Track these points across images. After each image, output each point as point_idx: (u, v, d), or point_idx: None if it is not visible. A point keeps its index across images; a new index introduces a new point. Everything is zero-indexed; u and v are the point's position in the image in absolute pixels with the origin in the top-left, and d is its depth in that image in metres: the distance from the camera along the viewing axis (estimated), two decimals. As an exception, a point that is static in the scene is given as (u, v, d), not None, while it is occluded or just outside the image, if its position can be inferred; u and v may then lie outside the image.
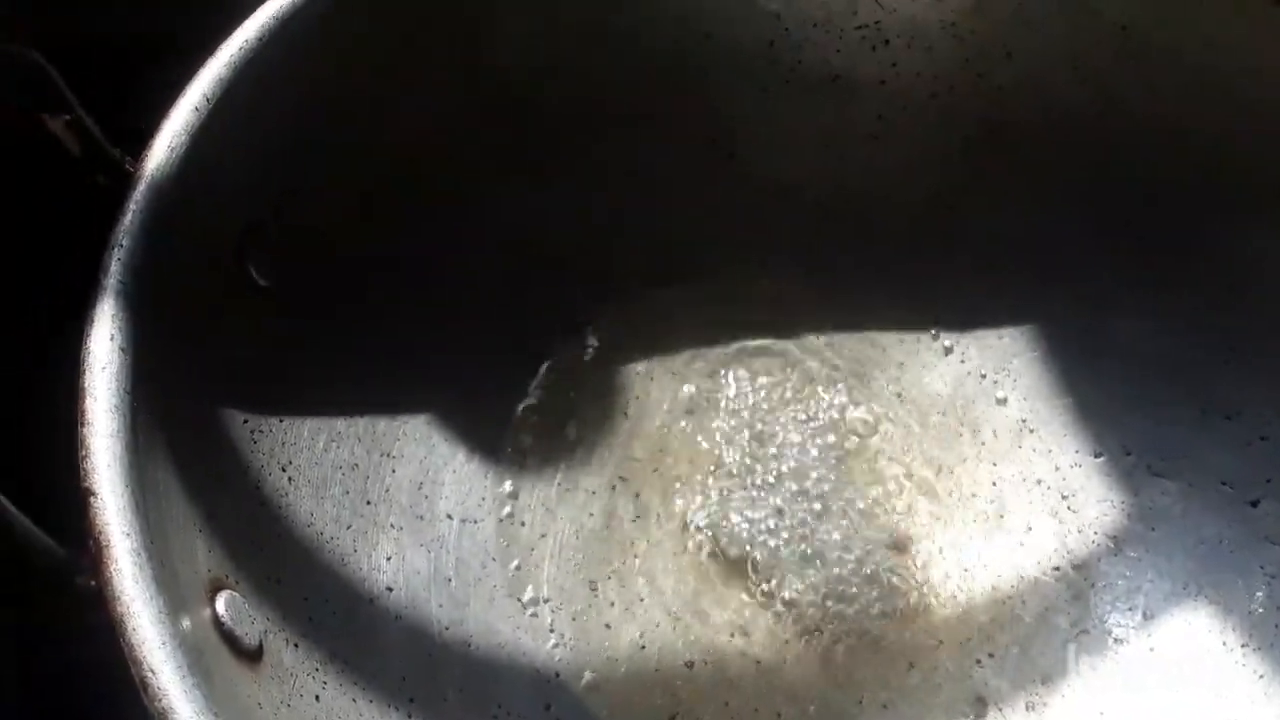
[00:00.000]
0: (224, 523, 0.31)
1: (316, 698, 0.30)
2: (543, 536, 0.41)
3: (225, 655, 0.28)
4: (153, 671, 0.24)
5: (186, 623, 0.26)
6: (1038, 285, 0.47)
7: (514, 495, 0.41)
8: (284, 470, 0.35)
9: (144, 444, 0.28)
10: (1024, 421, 0.46)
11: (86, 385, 0.27)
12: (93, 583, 0.25)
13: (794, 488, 0.42)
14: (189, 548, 0.29)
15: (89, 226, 0.30)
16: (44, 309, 0.30)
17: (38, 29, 0.32)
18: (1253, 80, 0.42)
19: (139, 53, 0.38)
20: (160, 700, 0.23)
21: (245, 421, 0.34)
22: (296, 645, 0.31)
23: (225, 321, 0.34)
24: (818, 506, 0.42)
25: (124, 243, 0.30)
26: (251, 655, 0.29)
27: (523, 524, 0.41)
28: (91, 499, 0.25)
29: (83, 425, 0.27)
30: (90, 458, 0.26)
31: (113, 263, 0.29)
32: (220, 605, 0.28)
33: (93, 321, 0.28)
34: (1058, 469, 0.44)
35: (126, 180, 0.31)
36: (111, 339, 0.28)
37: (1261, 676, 0.39)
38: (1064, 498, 0.44)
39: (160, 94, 0.33)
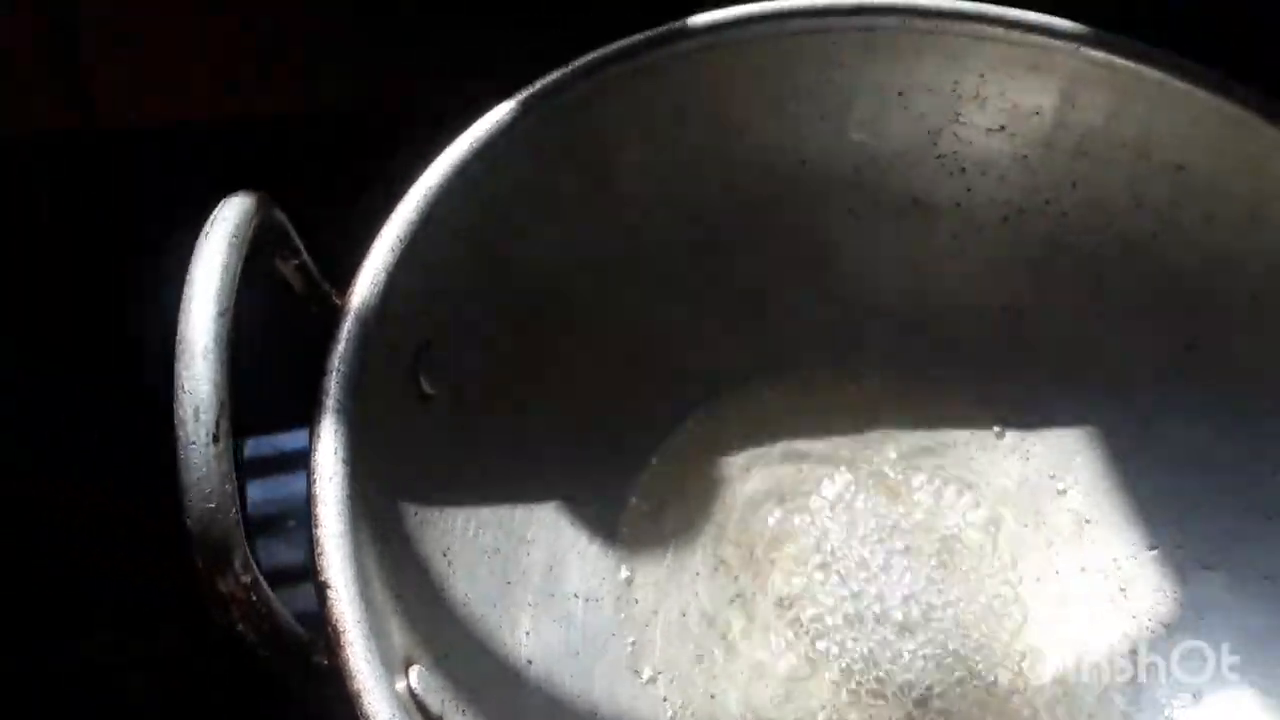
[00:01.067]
0: (407, 605, 0.36)
1: (485, 759, 0.36)
2: (654, 613, 0.46)
3: (421, 722, 0.33)
4: (388, 739, 0.29)
5: (400, 696, 0.31)
6: (1099, 390, 0.52)
7: (630, 577, 0.46)
8: (444, 555, 0.40)
9: (358, 542, 0.33)
10: (1085, 515, 0.50)
11: (317, 493, 0.33)
12: (325, 661, 0.31)
13: (877, 576, 0.47)
14: (387, 628, 0.34)
15: (307, 346, 0.36)
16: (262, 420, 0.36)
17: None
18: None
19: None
20: (394, 763, 0.29)
21: (415, 514, 0.40)
22: (464, 713, 0.36)
23: (403, 426, 0.39)
24: (900, 594, 0.47)
25: (340, 368, 0.35)
26: (437, 721, 0.34)
27: (637, 602, 0.46)
28: (328, 591, 0.31)
29: (316, 527, 0.32)
30: (324, 555, 0.31)
31: (331, 385, 0.35)
32: (413, 678, 0.34)
33: (318, 437, 0.34)
34: (1115, 560, 0.49)
35: (333, 310, 0.37)
36: (335, 453, 0.34)
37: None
38: (1121, 588, 0.48)
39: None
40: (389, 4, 0.51)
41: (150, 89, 0.52)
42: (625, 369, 0.49)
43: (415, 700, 0.33)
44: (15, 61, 0.49)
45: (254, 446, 0.54)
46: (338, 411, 0.34)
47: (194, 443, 0.27)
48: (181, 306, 0.28)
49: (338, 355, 0.35)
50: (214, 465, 0.27)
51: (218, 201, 0.32)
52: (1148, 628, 0.48)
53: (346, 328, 0.36)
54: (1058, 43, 0.48)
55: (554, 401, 0.46)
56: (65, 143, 0.54)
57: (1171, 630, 0.47)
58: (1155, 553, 0.49)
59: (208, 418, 0.27)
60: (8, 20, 0.48)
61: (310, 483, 0.33)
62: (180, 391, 0.27)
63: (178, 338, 0.28)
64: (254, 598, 0.28)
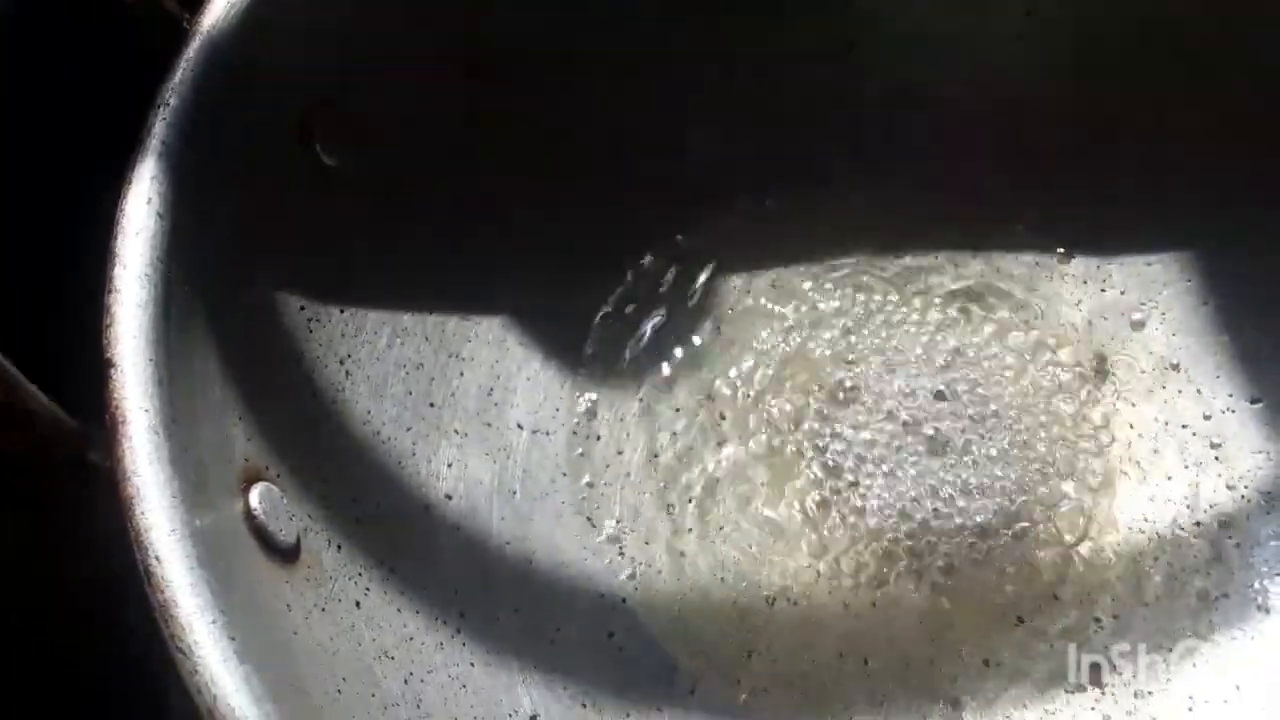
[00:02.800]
0: (268, 412, 0.28)
1: (357, 604, 0.28)
2: (619, 454, 0.38)
3: (254, 551, 0.26)
4: (158, 559, 0.22)
5: (208, 514, 0.24)
6: (1198, 209, 0.41)
7: (591, 408, 0.38)
8: (341, 364, 0.33)
9: (179, 319, 0.26)
10: (1171, 359, 0.40)
11: (117, 250, 0.25)
12: (108, 461, 0.23)
13: (901, 418, 0.38)
14: (223, 435, 0.27)
15: (140, 88, 0.28)
16: (88, 169, 0.29)
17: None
18: None
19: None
20: (163, 591, 0.21)
21: (302, 308, 0.32)
22: (339, 547, 0.29)
23: (285, 199, 0.31)
24: (927, 440, 0.38)
25: (171, 101, 0.27)
26: (285, 554, 0.27)
27: (598, 438, 0.38)
28: (111, 370, 0.23)
29: (109, 293, 0.25)
30: (114, 326, 0.24)
31: (157, 122, 0.27)
32: (254, 498, 0.26)
33: (130, 183, 0.26)
34: (1207, 415, 0.39)
35: (182, 39, 0.29)
36: (149, 202, 0.26)
37: None
38: (1212, 446, 0.39)
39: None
40: None
41: None
42: (604, 162, 0.40)
43: (253, 523, 0.26)
44: None
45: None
46: (160, 154, 0.27)
47: None
48: None
49: (171, 85, 0.28)
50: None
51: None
52: (1243, 496, 0.38)
53: (187, 54, 0.28)
54: None
55: (508, 197, 0.38)
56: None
57: (1273, 500, 0.38)
58: (1259, 406, 0.39)
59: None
60: None
61: (111, 238, 0.25)
62: None
63: None
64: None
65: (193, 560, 0.22)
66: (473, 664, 0.30)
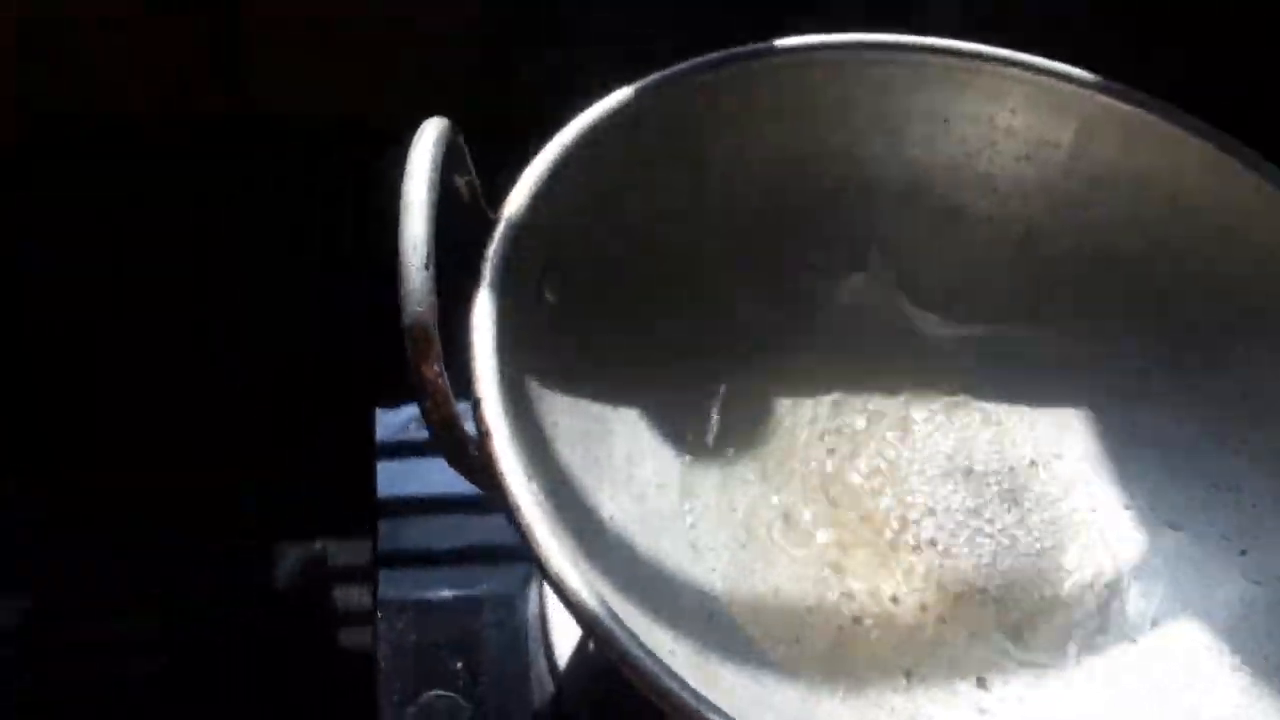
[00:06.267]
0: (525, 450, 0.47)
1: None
2: (710, 506, 0.56)
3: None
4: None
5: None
6: (1079, 381, 0.62)
7: (693, 475, 0.57)
8: (554, 426, 0.51)
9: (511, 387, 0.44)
10: (1073, 478, 0.60)
11: (473, 338, 0.44)
12: (476, 452, 0.42)
13: (929, 498, 0.58)
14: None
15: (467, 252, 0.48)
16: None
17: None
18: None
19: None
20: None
21: (534, 390, 0.51)
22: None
23: (528, 325, 0.51)
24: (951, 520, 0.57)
25: (493, 259, 0.47)
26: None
27: (697, 495, 0.56)
28: (488, 440, 0.42)
29: (477, 381, 0.43)
30: (484, 403, 0.42)
31: (487, 268, 0.47)
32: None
33: (474, 302, 0.45)
34: (1094, 510, 0.59)
35: (488, 223, 0.49)
36: (487, 314, 0.45)
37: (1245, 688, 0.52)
38: (1102, 534, 0.58)
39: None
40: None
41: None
42: (699, 317, 0.60)
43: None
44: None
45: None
46: (490, 284, 0.46)
47: (413, 265, 0.38)
48: (403, 182, 0.40)
49: (491, 249, 0.47)
50: (423, 283, 0.39)
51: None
52: (1120, 567, 0.57)
53: (499, 232, 0.48)
54: (1074, 88, 0.60)
55: (639, 331, 0.57)
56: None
57: (1138, 571, 0.57)
58: (1130, 511, 0.59)
59: (421, 250, 0.39)
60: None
61: (470, 359, 0.44)
62: (402, 236, 0.39)
63: (401, 202, 0.40)
64: (441, 382, 0.39)
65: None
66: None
